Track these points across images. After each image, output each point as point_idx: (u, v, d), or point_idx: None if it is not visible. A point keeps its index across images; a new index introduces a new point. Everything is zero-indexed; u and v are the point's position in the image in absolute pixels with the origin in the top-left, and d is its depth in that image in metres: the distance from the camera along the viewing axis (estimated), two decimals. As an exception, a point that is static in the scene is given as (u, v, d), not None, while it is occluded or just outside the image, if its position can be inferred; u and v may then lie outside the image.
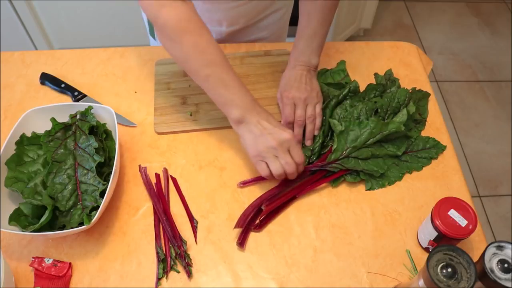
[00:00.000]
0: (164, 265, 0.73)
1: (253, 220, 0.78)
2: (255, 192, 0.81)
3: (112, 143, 0.81)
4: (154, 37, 1.12)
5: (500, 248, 0.62)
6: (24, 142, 0.79)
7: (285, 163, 0.76)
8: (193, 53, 0.75)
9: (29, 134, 0.80)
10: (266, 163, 0.77)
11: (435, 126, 0.94)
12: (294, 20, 1.21)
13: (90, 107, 0.81)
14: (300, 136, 0.86)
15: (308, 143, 0.87)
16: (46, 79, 0.97)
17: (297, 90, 0.86)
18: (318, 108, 0.87)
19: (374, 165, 0.82)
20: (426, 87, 1.00)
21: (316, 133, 0.87)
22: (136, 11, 1.83)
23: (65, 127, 0.79)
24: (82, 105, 0.83)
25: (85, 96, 0.95)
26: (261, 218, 0.79)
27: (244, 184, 0.82)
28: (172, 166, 0.86)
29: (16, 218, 0.72)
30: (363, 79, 0.98)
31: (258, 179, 0.82)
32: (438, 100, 1.62)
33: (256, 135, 0.76)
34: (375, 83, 0.97)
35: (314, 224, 0.79)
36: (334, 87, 0.94)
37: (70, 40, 2.04)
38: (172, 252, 0.75)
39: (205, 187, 0.84)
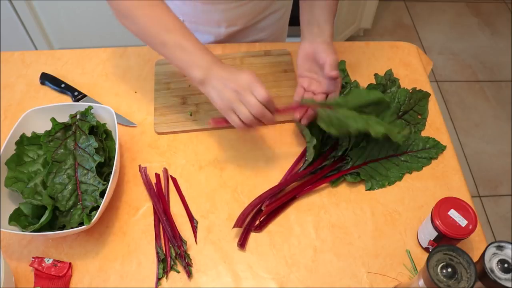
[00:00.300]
0: (164, 265, 0.73)
1: (253, 220, 0.78)
2: (255, 192, 0.81)
3: (112, 143, 0.81)
4: None
5: (500, 248, 0.62)
6: (24, 142, 0.79)
7: (250, 106, 0.74)
8: (148, 24, 0.77)
9: (29, 134, 0.80)
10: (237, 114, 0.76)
11: (435, 126, 0.94)
12: (293, 21, 1.21)
13: (90, 107, 0.81)
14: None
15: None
16: (46, 79, 0.97)
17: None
18: None
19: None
20: (426, 87, 1.00)
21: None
22: (136, 11, 1.83)
23: (65, 127, 0.79)
24: (82, 105, 0.83)
25: (85, 96, 0.95)
26: (261, 219, 0.79)
27: (217, 122, 0.80)
28: (172, 166, 0.86)
29: (16, 218, 0.72)
30: (363, 79, 0.98)
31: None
32: (438, 100, 1.62)
33: (220, 88, 0.75)
34: (375, 83, 0.97)
35: (314, 224, 0.80)
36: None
37: (70, 40, 2.04)
38: (172, 252, 0.75)
39: (205, 187, 0.84)
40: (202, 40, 1.06)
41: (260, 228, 0.78)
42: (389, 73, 0.99)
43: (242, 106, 0.74)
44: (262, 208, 0.79)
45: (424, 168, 0.87)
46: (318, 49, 0.82)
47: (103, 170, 0.79)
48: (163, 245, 0.76)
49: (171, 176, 0.84)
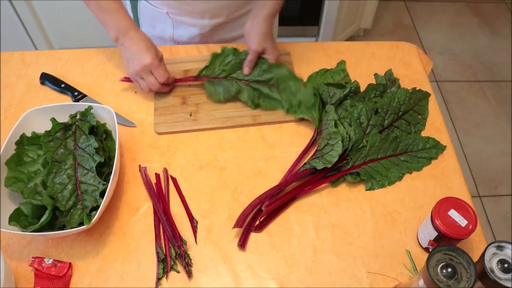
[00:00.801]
0: (164, 265, 0.73)
1: (253, 220, 0.78)
2: (255, 192, 0.81)
3: (112, 143, 0.81)
4: None
5: (500, 248, 0.62)
6: (24, 142, 0.79)
7: (149, 84, 0.90)
8: None
9: (29, 134, 0.80)
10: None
11: (435, 126, 0.94)
12: (283, 21, 1.20)
13: (90, 107, 0.81)
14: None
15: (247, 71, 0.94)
16: (46, 79, 0.97)
17: (272, 42, 0.94)
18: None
19: None
20: (426, 87, 1.00)
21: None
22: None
23: (65, 127, 0.79)
24: (82, 105, 0.83)
25: (85, 96, 0.95)
26: (261, 219, 0.79)
27: (126, 79, 0.95)
28: (172, 166, 0.86)
29: (16, 218, 0.72)
30: (363, 79, 0.97)
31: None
32: (438, 100, 1.62)
33: (128, 58, 0.89)
34: (375, 83, 0.97)
35: (314, 224, 0.80)
36: (334, 87, 0.93)
37: (70, 40, 2.04)
38: (172, 252, 0.75)
39: (205, 187, 0.84)
40: (188, 33, 1.07)
41: (260, 228, 0.78)
42: (389, 73, 0.99)
43: (143, 82, 0.91)
44: (262, 208, 0.79)
45: (424, 168, 0.87)
46: (249, 28, 0.93)
47: (103, 170, 0.79)
48: (163, 245, 0.76)
49: (171, 176, 0.84)
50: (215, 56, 0.95)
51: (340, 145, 0.82)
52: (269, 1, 0.91)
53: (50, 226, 0.73)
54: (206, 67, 0.95)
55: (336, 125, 0.84)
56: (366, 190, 0.84)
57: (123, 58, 0.91)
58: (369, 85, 0.94)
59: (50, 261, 0.72)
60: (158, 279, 0.72)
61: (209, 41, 1.10)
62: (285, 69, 0.94)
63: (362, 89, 0.94)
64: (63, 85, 0.96)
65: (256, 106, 0.94)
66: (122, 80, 0.95)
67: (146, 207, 0.81)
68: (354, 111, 0.88)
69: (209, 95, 0.94)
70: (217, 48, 1.05)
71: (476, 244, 0.77)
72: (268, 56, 0.94)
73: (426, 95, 0.97)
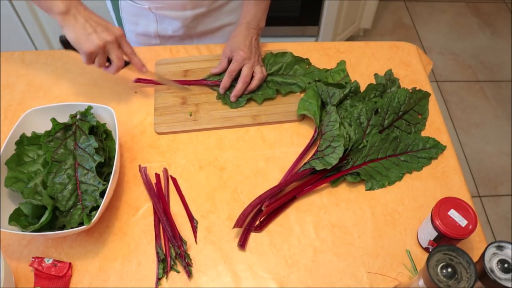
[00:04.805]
0: (164, 265, 0.73)
1: (253, 220, 0.78)
2: (255, 192, 0.81)
3: (112, 143, 0.81)
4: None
5: (500, 248, 0.62)
6: (24, 142, 0.79)
7: (116, 58, 0.83)
8: None
9: (29, 134, 0.80)
10: (96, 55, 0.81)
11: (435, 126, 0.94)
12: (283, 21, 1.19)
13: (90, 107, 0.81)
14: (227, 84, 0.94)
15: (232, 99, 0.94)
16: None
17: (248, 51, 0.93)
18: (261, 72, 0.94)
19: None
20: (426, 87, 1.00)
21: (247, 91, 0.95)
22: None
23: (65, 127, 0.79)
24: (82, 105, 0.83)
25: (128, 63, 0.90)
26: (261, 219, 0.79)
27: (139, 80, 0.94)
28: (172, 166, 0.86)
29: (16, 218, 0.72)
30: (363, 79, 0.98)
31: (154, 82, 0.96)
32: (438, 100, 1.62)
33: (90, 31, 0.79)
34: (375, 83, 0.97)
35: (314, 224, 0.80)
36: (334, 87, 0.94)
37: (70, 40, 2.04)
38: (172, 252, 0.75)
39: (205, 187, 0.84)
40: (171, 26, 1.07)
41: (260, 228, 0.78)
42: (389, 73, 0.99)
43: (102, 57, 0.82)
44: (262, 208, 0.79)
45: (424, 168, 0.87)
46: (232, 35, 0.95)
47: (103, 170, 0.79)
48: (163, 245, 0.76)
49: (171, 176, 0.84)
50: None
51: (341, 149, 0.81)
52: (250, 8, 0.94)
53: (50, 226, 0.73)
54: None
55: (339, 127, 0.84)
56: (366, 190, 0.84)
57: (76, 30, 0.78)
58: (369, 85, 0.94)
59: (50, 261, 0.72)
60: (158, 279, 0.72)
61: (193, 33, 1.10)
62: (289, 55, 1.00)
63: (362, 89, 0.95)
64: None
65: (277, 93, 0.96)
66: (136, 81, 0.94)
67: (146, 207, 0.81)
68: (354, 111, 0.88)
69: (227, 104, 0.95)
70: (217, 48, 1.05)
71: (476, 244, 0.77)
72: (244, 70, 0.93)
73: (426, 95, 0.97)
